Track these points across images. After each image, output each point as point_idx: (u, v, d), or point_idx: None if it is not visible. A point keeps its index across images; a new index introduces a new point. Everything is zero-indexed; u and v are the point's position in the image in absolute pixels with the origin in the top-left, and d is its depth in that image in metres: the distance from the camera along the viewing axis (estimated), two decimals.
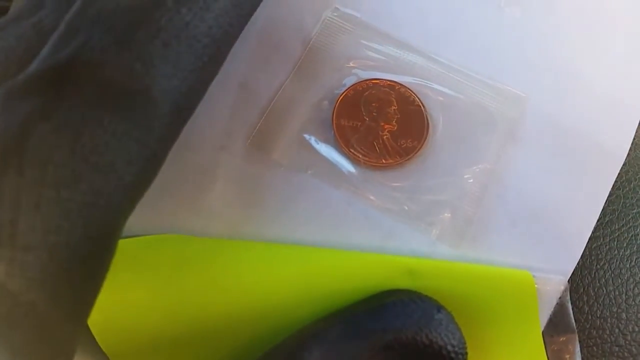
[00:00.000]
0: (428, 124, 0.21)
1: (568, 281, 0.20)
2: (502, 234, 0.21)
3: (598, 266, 0.20)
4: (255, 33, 0.21)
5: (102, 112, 0.13)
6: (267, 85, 0.21)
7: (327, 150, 0.21)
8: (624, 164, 0.21)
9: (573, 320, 0.20)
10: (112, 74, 0.13)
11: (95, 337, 0.18)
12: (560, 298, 0.20)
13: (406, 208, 0.20)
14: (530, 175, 0.21)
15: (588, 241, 0.20)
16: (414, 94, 0.21)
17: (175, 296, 0.19)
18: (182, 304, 0.19)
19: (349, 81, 0.21)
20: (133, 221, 0.14)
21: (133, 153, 0.13)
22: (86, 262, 0.13)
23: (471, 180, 0.21)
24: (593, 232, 0.21)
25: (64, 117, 0.13)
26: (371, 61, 0.22)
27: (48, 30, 0.13)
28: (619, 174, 0.21)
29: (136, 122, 0.13)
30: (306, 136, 0.21)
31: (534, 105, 0.21)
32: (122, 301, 0.19)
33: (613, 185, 0.21)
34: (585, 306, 0.20)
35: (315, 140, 0.21)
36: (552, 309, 0.20)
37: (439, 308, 0.18)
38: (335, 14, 0.22)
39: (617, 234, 0.21)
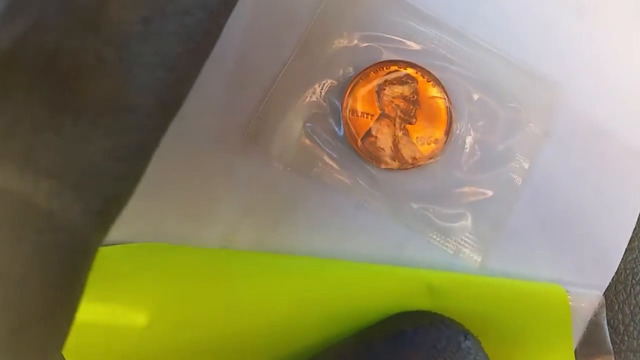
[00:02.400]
0: (451, 118, 0.18)
1: (603, 296, 0.18)
2: (532, 243, 0.18)
3: (634, 281, 0.18)
4: (253, 2, 0.18)
5: (61, 115, 0.10)
6: (268, 65, 0.18)
7: (334, 147, 0.18)
8: None
9: (609, 340, 0.18)
10: (73, 63, 0.10)
11: None
12: (595, 315, 0.18)
13: (423, 215, 0.18)
14: (562, 178, 0.19)
15: (623, 254, 0.18)
16: (437, 80, 0.18)
17: (159, 314, 0.17)
18: (166, 323, 0.17)
19: (362, 62, 0.18)
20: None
21: (103, 170, 0.10)
22: (46, 316, 0.10)
23: (498, 183, 0.18)
24: (628, 244, 0.18)
25: (11, 121, 0.09)
26: (389, 35, 0.18)
27: None
28: None
29: (107, 128, 0.10)
30: (310, 129, 0.18)
31: (568, 99, 0.19)
32: (99, 323, 0.16)
33: None
34: (621, 325, 0.18)
35: (321, 134, 0.18)
36: (585, 327, 0.18)
37: (466, 334, 0.16)
38: None
39: None
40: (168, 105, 0.11)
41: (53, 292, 0.10)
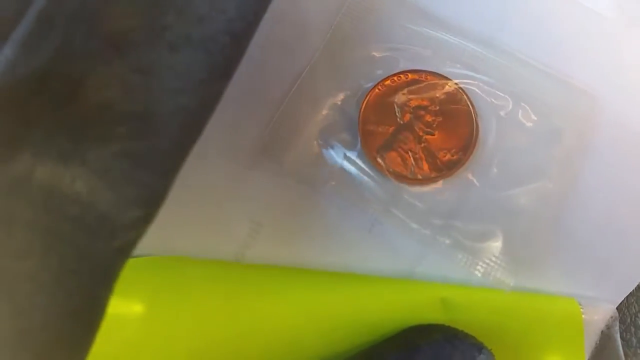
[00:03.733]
0: (477, 129, 0.17)
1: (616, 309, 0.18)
2: (554, 260, 0.18)
3: None
4: (268, 14, 0.16)
5: (85, 145, 0.10)
6: (282, 77, 0.17)
7: (350, 161, 0.17)
8: None
9: (622, 353, 0.18)
10: (99, 91, 0.10)
11: None
12: (607, 328, 0.18)
13: (447, 234, 0.17)
14: (598, 196, 0.18)
15: None
16: (462, 90, 0.17)
17: (173, 327, 0.17)
18: (181, 336, 0.17)
19: (380, 73, 0.17)
20: None
21: (127, 198, 0.10)
22: (69, 340, 0.10)
23: (528, 202, 0.17)
24: None
25: (34, 153, 0.09)
26: (409, 46, 0.17)
27: (8, 21, 0.09)
28: None
29: (132, 157, 0.10)
30: (325, 142, 0.17)
31: (607, 110, 0.17)
32: (114, 336, 0.17)
33: None
34: (634, 338, 0.18)
35: (336, 148, 0.17)
36: (597, 340, 0.18)
37: (480, 348, 0.16)
38: None
39: None
40: (191, 131, 0.11)
41: (74, 318, 0.10)
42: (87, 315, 0.11)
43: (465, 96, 0.17)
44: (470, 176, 0.17)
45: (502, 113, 0.17)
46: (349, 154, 0.17)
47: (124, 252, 0.11)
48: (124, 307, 0.17)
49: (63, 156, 0.09)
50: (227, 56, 0.11)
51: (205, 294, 0.17)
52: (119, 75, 0.10)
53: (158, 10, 0.10)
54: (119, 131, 0.10)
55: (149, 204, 0.11)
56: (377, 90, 0.17)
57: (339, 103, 0.17)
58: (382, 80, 0.17)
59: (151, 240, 0.17)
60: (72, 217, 0.10)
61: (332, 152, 0.17)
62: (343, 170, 0.17)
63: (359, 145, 0.17)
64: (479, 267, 0.17)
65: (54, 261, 0.10)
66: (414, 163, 0.17)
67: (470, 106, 0.17)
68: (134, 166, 0.10)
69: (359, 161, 0.17)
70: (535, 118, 0.17)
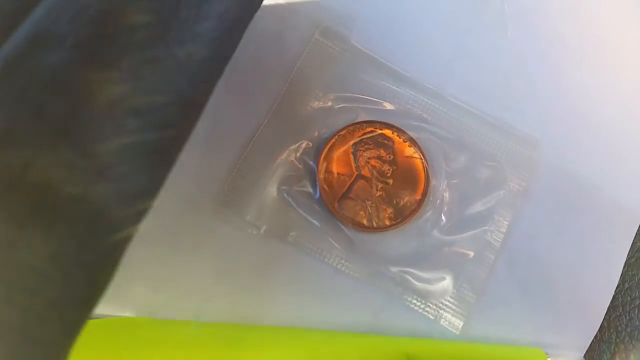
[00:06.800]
0: (428, 179, 0.18)
1: (584, 357, 0.18)
2: (512, 306, 0.18)
3: (618, 339, 0.18)
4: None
5: (31, 231, 0.09)
6: (242, 127, 0.18)
7: (310, 209, 0.18)
8: None
9: None
10: (43, 177, 0.09)
11: None
12: None
13: (402, 278, 0.17)
14: (542, 237, 0.18)
15: (606, 312, 0.18)
16: (414, 140, 0.18)
17: None
18: None
19: (338, 123, 0.18)
20: None
21: (78, 281, 0.10)
22: None
23: (478, 244, 0.18)
24: (611, 302, 0.18)
25: None
26: (364, 96, 0.18)
27: None
28: (636, 234, 0.19)
29: (80, 237, 0.10)
30: (285, 193, 0.18)
31: (547, 155, 0.19)
32: None
33: (631, 247, 0.19)
34: None
35: (297, 197, 0.18)
36: None
37: None
38: (323, 36, 0.18)
39: (638, 303, 0.18)
40: (143, 203, 0.11)
41: None
42: None
43: (417, 147, 0.18)
44: (421, 223, 0.18)
45: (451, 162, 0.18)
46: (309, 202, 0.18)
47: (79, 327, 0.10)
48: None
49: (6, 244, 0.09)
50: (180, 118, 0.10)
51: (163, 354, 0.16)
52: (64, 160, 0.09)
53: (108, 88, 0.09)
54: (64, 215, 0.09)
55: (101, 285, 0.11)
56: (334, 140, 0.18)
57: (299, 153, 0.18)
58: (339, 131, 0.18)
59: (106, 296, 0.17)
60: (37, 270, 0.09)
61: (292, 201, 0.18)
62: (304, 219, 0.18)
63: (318, 194, 0.18)
64: (430, 310, 0.17)
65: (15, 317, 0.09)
66: (370, 212, 0.18)
67: (422, 156, 0.18)
68: (82, 249, 0.10)
69: (318, 210, 0.18)
70: (482, 166, 0.18)
